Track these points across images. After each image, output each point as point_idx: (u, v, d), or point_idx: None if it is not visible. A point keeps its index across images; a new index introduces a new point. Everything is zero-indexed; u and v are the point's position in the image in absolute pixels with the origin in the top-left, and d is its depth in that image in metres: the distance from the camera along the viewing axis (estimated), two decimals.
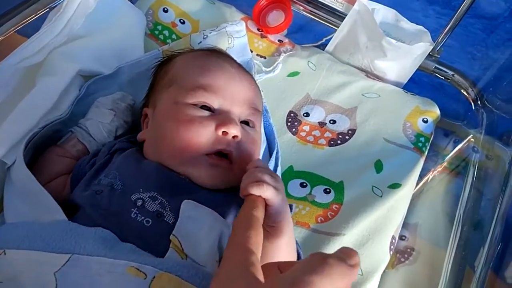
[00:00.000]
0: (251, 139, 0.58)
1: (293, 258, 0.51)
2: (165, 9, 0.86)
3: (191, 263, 0.45)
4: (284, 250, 0.48)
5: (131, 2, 0.91)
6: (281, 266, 0.38)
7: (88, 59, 0.68)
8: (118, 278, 0.41)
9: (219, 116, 0.56)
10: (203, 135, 0.54)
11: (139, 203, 0.50)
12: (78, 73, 0.66)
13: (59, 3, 0.78)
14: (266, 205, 0.46)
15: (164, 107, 0.59)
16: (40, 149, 0.60)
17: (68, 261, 0.42)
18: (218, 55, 0.65)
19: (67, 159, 0.61)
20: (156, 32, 0.85)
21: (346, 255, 0.35)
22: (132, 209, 0.50)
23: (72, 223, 0.48)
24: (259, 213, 0.42)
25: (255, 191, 0.45)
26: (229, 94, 0.58)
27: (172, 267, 0.43)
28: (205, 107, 0.56)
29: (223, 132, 0.54)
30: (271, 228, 0.47)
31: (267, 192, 0.45)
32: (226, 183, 0.56)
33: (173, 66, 0.63)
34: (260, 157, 0.66)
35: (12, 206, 0.54)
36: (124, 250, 0.45)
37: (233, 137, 0.55)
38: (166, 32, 0.84)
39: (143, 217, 0.49)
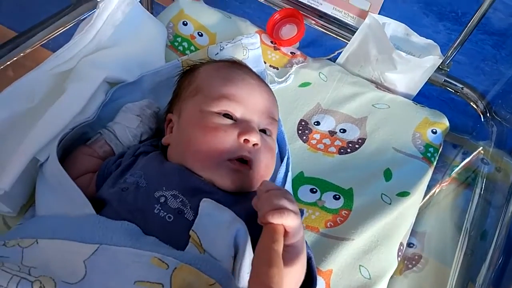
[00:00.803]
0: (268, 147, 0.62)
1: (303, 270, 0.51)
2: (185, 22, 0.90)
3: (209, 257, 0.48)
4: (297, 266, 0.49)
5: (154, 16, 0.96)
6: None
7: (114, 67, 0.73)
8: (142, 267, 0.44)
9: (241, 125, 0.60)
10: (227, 142, 0.58)
11: (162, 200, 0.53)
12: (105, 80, 0.70)
13: (87, 16, 0.84)
14: (285, 230, 0.46)
15: (190, 114, 0.63)
16: (68, 149, 0.65)
17: (97, 251, 0.45)
18: (239, 66, 0.69)
19: (94, 158, 0.65)
20: (176, 44, 0.89)
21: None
22: (156, 205, 0.53)
23: (100, 217, 0.51)
24: (279, 247, 0.43)
25: (276, 220, 0.46)
26: (251, 104, 0.62)
27: (192, 260, 0.46)
28: (228, 115, 0.60)
29: (245, 140, 0.58)
30: (287, 247, 0.47)
31: (287, 219, 0.46)
32: (245, 187, 0.59)
33: (198, 76, 0.67)
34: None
35: (44, 200, 0.58)
36: (148, 242, 0.48)
37: (254, 144, 0.59)
38: (185, 44, 0.89)
39: (165, 213, 0.52)
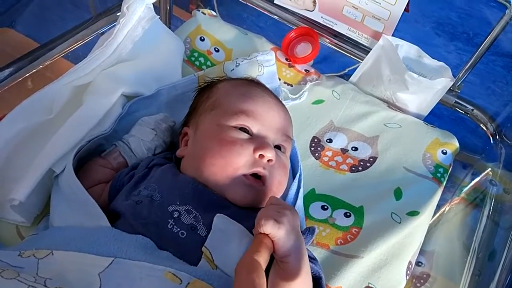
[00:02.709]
0: (282, 164, 0.63)
1: (308, 287, 0.51)
2: (202, 38, 0.92)
3: (221, 274, 0.49)
4: (298, 282, 0.48)
5: (172, 31, 0.98)
6: None
7: (131, 81, 0.74)
8: (156, 282, 0.45)
9: (257, 140, 0.61)
10: (242, 156, 0.59)
11: (176, 215, 0.54)
12: (122, 94, 0.72)
13: (106, 30, 0.86)
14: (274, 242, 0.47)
15: (207, 128, 0.64)
16: (83, 161, 0.66)
17: (112, 264, 0.46)
18: (257, 84, 0.70)
19: (108, 169, 0.66)
20: (193, 59, 0.91)
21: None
22: (169, 220, 0.54)
23: (115, 230, 0.52)
24: (260, 257, 0.44)
25: (260, 228, 0.47)
26: (267, 121, 0.63)
27: (205, 276, 0.47)
28: (244, 130, 0.61)
29: (260, 155, 0.59)
30: (283, 264, 0.48)
31: (269, 228, 0.47)
32: (256, 203, 0.60)
33: (216, 92, 0.68)
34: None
35: (59, 211, 0.59)
36: (162, 257, 0.49)
37: (268, 160, 0.60)
38: (201, 59, 0.91)
39: (178, 229, 0.53)
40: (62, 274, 0.45)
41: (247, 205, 0.59)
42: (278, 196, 0.65)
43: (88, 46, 0.84)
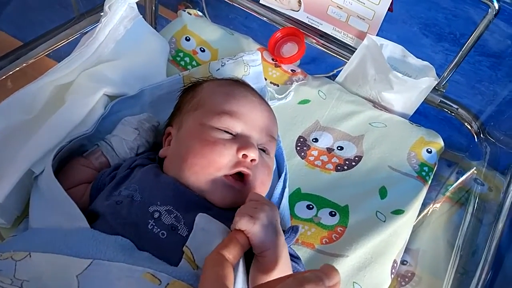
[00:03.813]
0: (266, 164, 0.63)
1: None
2: (187, 37, 0.92)
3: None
4: (275, 276, 0.48)
5: (157, 31, 0.98)
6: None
7: (114, 81, 0.74)
8: (135, 282, 0.44)
9: (240, 140, 0.60)
10: (225, 156, 0.58)
11: (156, 215, 0.54)
12: (104, 93, 0.71)
13: (90, 29, 0.86)
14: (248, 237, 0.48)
15: (190, 127, 0.63)
16: (65, 162, 0.65)
17: (90, 265, 0.45)
18: (241, 84, 0.70)
19: (90, 169, 0.65)
20: (178, 59, 0.90)
21: (325, 275, 0.36)
22: (150, 221, 0.53)
23: (94, 231, 0.51)
24: (227, 252, 0.44)
25: (234, 224, 0.48)
26: (250, 121, 0.63)
27: (185, 276, 0.46)
28: (228, 131, 0.61)
29: (243, 155, 0.59)
30: (261, 258, 0.48)
31: (242, 223, 0.47)
32: (236, 204, 0.58)
33: (201, 91, 0.68)
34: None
35: (38, 212, 0.58)
36: (141, 257, 0.49)
37: (252, 160, 0.59)
38: (187, 59, 0.90)
39: (159, 229, 0.52)
40: (40, 276, 0.44)
41: (227, 206, 0.59)
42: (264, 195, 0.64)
43: (71, 46, 0.83)
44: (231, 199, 0.59)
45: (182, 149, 0.62)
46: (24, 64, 0.82)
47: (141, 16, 0.82)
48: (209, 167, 0.58)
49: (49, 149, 0.61)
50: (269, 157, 0.65)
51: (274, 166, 0.73)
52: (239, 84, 0.70)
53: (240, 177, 0.59)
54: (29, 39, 0.86)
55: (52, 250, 0.47)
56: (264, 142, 0.64)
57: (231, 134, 0.61)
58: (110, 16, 0.74)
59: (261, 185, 0.62)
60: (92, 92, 0.69)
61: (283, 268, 0.49)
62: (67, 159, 0.65)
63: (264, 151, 0.64)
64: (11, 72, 0.80)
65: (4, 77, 0.79)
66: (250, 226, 0.47)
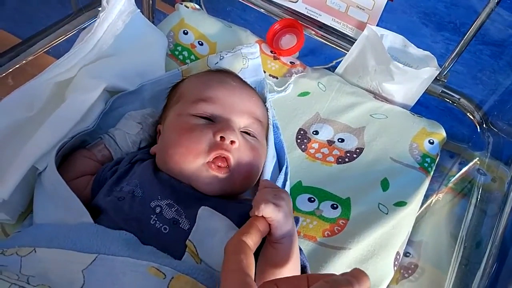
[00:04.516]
0: (250, 146, 0.61)
1: (297, 272, 0.52)
2: (185, 31, 0.91)
3: (206, 267, 0.49)
4: (289, 266, 0.49)
5: (154, 25, 0.97)
6: (279, 284, 0.40)
7: (114, 77, 0.73)
8: (140, 277, 0.45)
9: (218, 124, 0.59)
10: (202, 141, 0.57)
11: (158, 210, 0.54)
12: (105, 89, 0.71)
13: (88, 25, 0.85)
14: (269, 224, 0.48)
15: (170, 120, 0.64)
16: (67, 158, 0.65)
17: (95, 260, 0.45)
18: (222, 72, 0.70)
19: (92, 161, 0.66)
20: (176, 53, 0.90)
21: (356, 279, 0.35)
22: (152, 216, 0.53)
23: (98, 226, 0.51)
24: (249, 239, 0.43)
25: (255, 211, 0.47)
26: (229, 105, 0.62)
27: (189, 270, 0.46)
28: (206, 117, 0.60)
29: (221, 137, 0.57)
30: (277, 245, 0.49)
31: (265, 210, 0.47)
32: (226, 190, 0.59)
33: (182, 85, 0.69)
34: (270, 171, 0.69)
35: (42, 208, 0.58)
36: (145, 251, 0.49)
37: (231, 142, 0.58)
38: (185, 53, 0.90)
39: (161, 224, 0.53)
40: (45, 272, 0.45)
41: (216, 193, 0.58)
42: (254, 181, 0.64)
43: (70, 42, 0.83)
44: (219, 185, 0.58)
45: (164, 143, 0.63)
46: (23, 61, 0.82)
47: (139, 10, 0.81)
48: (188, 154, 0.58)
49: (52, 145, 0.62)
50: (256, 139, 0.63)
51: (275, 158, 0.72)
52: (219, 72, 0.70)
53: (222, 162, 0.58)
54: (27, 36, 0.86)
55: (57, 245, 0.47)
56: (247, 125, 0.62)
57: (209, 119, 0.60)
58: (108, 10, 0.74)
59: (249, 169, 0.60)
60: (92, 88, 0.69)
61: (295, 259, 0.50)
62: (70, 155, 0.65)
63: (248, 134, 0.63)
64: (10, 70, 0.80)
65: (3, 74, 0.79)
66: (275, 214, 0.47)
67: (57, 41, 0.86)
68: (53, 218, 0.56)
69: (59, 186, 0.57)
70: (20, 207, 0.62)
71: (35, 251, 0.46)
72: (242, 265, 0.39)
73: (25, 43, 0.83)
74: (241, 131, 0.61)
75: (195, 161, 0.57)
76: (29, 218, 0.62)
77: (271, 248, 0.49)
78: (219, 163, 0.57)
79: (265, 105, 0.72)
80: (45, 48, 0.85)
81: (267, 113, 0.72)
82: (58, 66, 0.70)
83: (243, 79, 0.72)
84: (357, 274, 0.36)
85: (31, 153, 0.60)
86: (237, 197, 0.64)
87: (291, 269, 0.50)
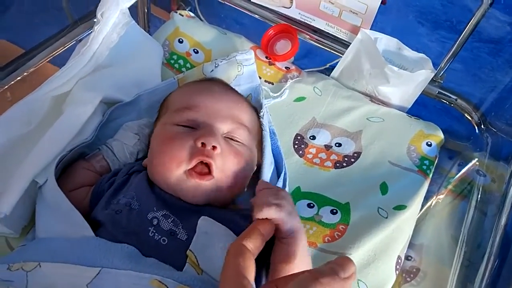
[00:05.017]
0: (234, 152, 0.60)
1: (309, 266, 0.53)
2: (180, 40, 0.91)
3: (207, 278, 0.49)
4: (300, 260, 0.50)
5: (150, 31, 0.98)
6: (279, 284, 0.40)
7: (110, 88, 0.74)
8: None
9: (200, 131, 0.60)
10: (183, 149, 0.57)
11: (155, 222, 0.54)
12: (101, 101, 0.71)
13: (85, 36, 0.86)
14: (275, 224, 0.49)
15: (156, 131, 0.65)
16: (66, 169, 0.66)
17: (99, 274, 0.46)
18: (208, 81, 0.71)
19: (91, 172, 0.66)
20: (172, 61, 0.90)
21: (340, 267, 0.36)
22: (149, 228, 0.54)
23: (100, 239, 0.52)
24: (250, 243, 0.44)
25: (257, 214, 0.48)
26: (211, 111, 0.62)
27: (191, 281, 0.47)
28: (187, 125, 0.61)
29: (202, 144, 0.57)
30: (285, 239, 0.50)
31: (269, 212, 0.48)
32: (214, 198, 0.59)
33: (169, 98, 0.70)
34: (268, 178, 0.69)
35: (44, 222, 0.59)
36: (148, 264, 0.49)
37: (213, 148, 0.57)
38: (181, 61, 0.90)
39: (159, 236, 0.53)
40: (51, 287, 0.45)
41: (203, 202, 0.58)
42: (242, 187, 0.64)
43: (69, 51, 0.84)
44: (204, 194, 0.58)
45: (150, 154, 0.63)
46: (25, 73, 0.83)
47: (134, 21, 0.81)
48: (171, 163, 0.57)
49: (51, 159, 0.62)
50: (242, 145, 0.63)
51: (273, 165, 0.72)
52: (205, 80, 0.72)
53: (205, 169, 0.57)
54: (26, 43, 0.87)
55: (61, 259, 0.48)
56: (231, 130, 0.62)
57: (192, 127, 0.61)
58: (103, 23, 0.74)
59: (233, 175, 0.60)
60: (89, 101, 0.69)
61: (305, 251, 0.52)
62: (69, 166, 0.66)
63: (233, 139, 0.62)
64: (12, 82, 0.81)
65: (3, 88, 0.80)
66: (279, 214, 0.48)
67: (55, 54, 0.87)
68: (55, 232, 0.56)
69: (60, 200, 0.58)
70: (22, 220, 0.62)
71: (40, 266, 0.47)
72: (240, 268, 0.40)
73: (24, 56, 0.84)
74: (225, 137, 0.61)
75: (177, 170, 0.57)
76: (32, 231, 0.62)
77: (281, 244, 0.50)
78: (200, 170, 0.57)
79: (256, 112, 0.73)
80: (44, 61, 0.86)
81: (259, 119, 0.72)
82: (55, 80, 0.71)
83: (231, 86, 0.73)
84: (341, 261, 0.37)
85: (30, 168, 0.60)
86: (230, 205, 0.64)
87: (302, 263, 0.50)
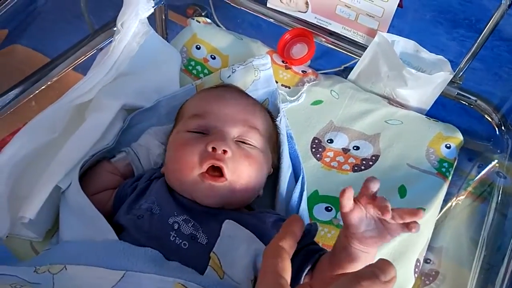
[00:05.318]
0: (245, 155, 0.61)
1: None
2: (198, 46, 0.93)
3: (229, 282, 0.50)
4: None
5: (168, 37, 0.99)
6: (314, 285, 0.42)
7: (131, 95, 0.76)
8: None
9: (211, 136, 0.61)
10: (195, 154, 0.59)
11: (176, 226, 0.56)
12: (122, 108, 0.74)
13: (105, 45, 0.88)
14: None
15: (170, 140, 0.67)
16: (88, 171, 0.67)
17: (123, 277, 0.47)
18: (221, 87, 0.73)
19: (116, 176, 0.68)
20: (190, 68, 0.91)
21: (381, 270, 0.36)
22: (171, 232, 0.55)
23: (124, 243, 0.53)
24: (285, 244, 0.45)
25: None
26: (223, 116, 0.63)
27: (214, 285, 0.48)
28: (199, 131, 0.63)
29: (212, 148, 0.59)
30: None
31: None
32: (227, 201, 0.60)
33: (184, 105, 0.72)
34: (286, 182, 0.70)
35: (68, 225, 0.61)
36: (171, 267, 0.51)
37: (224, 152, 0.59)
38: (199, 68, 0.91)
39: (180, 240, 0.54)
40: None
41: (218, 204, 0.60)
42: (256, 189, 0.64)
43: (91, 59, 0.86)
44: (218, 196, 0.59)
45: (166, 161, 0.66)
46: (48, 83, 0.86)
47: (153, 30, 0.83)
48: (185, 168, 0.59)
49: (74, 164, 0.64)
50: (253, 147, 0.63)
51: (290, 168, 0.73)
52: (218, 87, 0.73)
53: (218, 173, 0.59)
54: (50, 52, 0.90)
55: (85, 262, 0.49)
56: (242, 133, 0.63)
57: (203, 133, 0.62)
58: (123, 33, 0.76)
59: (246, 177, 0.61)
60: (110, 107, 0.71)
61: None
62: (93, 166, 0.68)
63: (245, 142, 0.63)
64: (36, 92, 0.84)
65: (27, 98, 0.83)
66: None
67: (76, 63, 0.90)
68: (79, 235, 0.58)
69: (84, 205, 0.59)
70: (46, 225, 0.64)
71: (66, 269, 0.48)
72: (278, 268, 0.41)
73: (46, 67, 0.87)
74: (236, 141, 0.62)
75: (191, 174, 0.59)
76: (56, 235, 0.64)
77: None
78: (213, 173, 0.59)
79: (270, 115, 0.73)
80: (66, 70, 0.89)
81: (273, 123, 0.73)
82: (78, 89, 0.73)
83: (243, 91, 0.74)
84: (381, 265, 0.37)
85: (54, 173, 0.63)
86: (242, 209, 0.65)
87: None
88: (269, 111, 0.75)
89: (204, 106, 0.65)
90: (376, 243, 0.50)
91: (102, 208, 0.59)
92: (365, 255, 0.50)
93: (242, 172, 0.60)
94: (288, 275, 0.41)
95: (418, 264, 0.68)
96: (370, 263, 0.45)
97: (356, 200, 0.48)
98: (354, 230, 0.49)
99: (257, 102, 0.73)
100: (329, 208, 0.73)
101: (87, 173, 0.66)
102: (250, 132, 0.64)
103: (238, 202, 0.63)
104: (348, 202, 0.47)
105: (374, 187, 0.48)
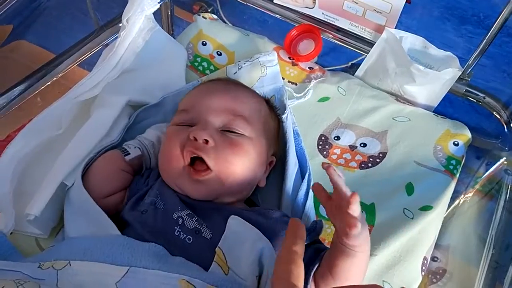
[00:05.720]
0: (229, 143, 0.60)
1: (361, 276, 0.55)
2: (204, 42, 0.92)
3: (234, 279, 0.49)
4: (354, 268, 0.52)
5: (174, 32, 0.99)
6: None
7: (136, 91, 0.76)
8: None
9: (193, 127, 0.61)
10: (177, 145, 0.60)
11: (180, 221, 0.56)
12: (127, 104, 0.73)
13: (111, 41, 0.88)
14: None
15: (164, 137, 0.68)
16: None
17: (127, 273, 0.47)
18: (213, 81, 0.72)
19: (129, 175, 0.67)
20: (196, 64, 0.91)
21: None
22: (175, 227, 0.55)
23: (128, 238, 0.53)
24: (299, 248, 0.45)
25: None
26: (205, 106, 0.63)
27: (219, 281, 0.48)
28: (185, 124, 0.63)
29: (193, 137, 0.59)
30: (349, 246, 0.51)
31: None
32: (217, 192, 0.60)
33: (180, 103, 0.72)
34: (292, 179, 0.70)
35: (72, 222, 0.61)
36: (175, 263, 0.50)
37: (206, 142, 0.59)
38: (205, 64, 0.91)
39: (185, 235, 0.54)
40: (81, 284, 0.47)
41: (209, 197, 0.60)
42: (251, 179, 0.63)
43: (96, 55, 0.86)
44: (204, 189, 0.59)
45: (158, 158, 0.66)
46: (54, 79, 0.85)
47: (159, 26, 0.83)
48: (171, 161, 0.60)
49: (79, 161, 0.64)
50: (241, 135, 0.62)
51: (297, 166, 0.72)
52: (211, 81, 0.73)
53: (203, 167, 0.59)
54: (55, 48, 0.91)
55: (90, 258, 0.49)
56: (227, 122, 0.62)
57: (189, 126, 0.62)
58: (129, 29, 0.76)
59: (229, 166, 0.60)
60: (116, 104, 0.71)
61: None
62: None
63: (231, 131, 0.62)
64: (42, 87, 0.84)
65: (33, 94, 0.83)
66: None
67: (82, 59, 0.89)
68: (84, 232, 0.58)
69: (86, 201, 0.59)
70: (51, 222, 0.64)
71: (70, 264, 0.48)
72: (292, 277, 0.42)
73: (52, 63, 0.87)
74: (222, 130, 0.62)
75: (176, 167, 0.60)
76: (61, 232, 0.65)
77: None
78: (198, 167, 0.59)
79: (267, 103, 0.73)
80: (71, 66, 0.89)
81: (271, 111, 0.72)
82: (83, 85, 0.73)
83: (235, 81, 0.74)
84: None
85: (60, 170, 0.62)
86: (237, 203, 0.65)
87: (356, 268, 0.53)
88: (268, 100, 0.74)
89: (191, 100, 0.66)
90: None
91: (118, 208, 0.60)
92: (353, 253, 0.52)
93: (228, 162, 0.59)
94: (301, 283, 0.41)
95: (425, 262, 0.68)
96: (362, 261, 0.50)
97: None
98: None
99: (247, 89, 0.72)
100: None
101: (99, 169, 0.64)
102: (236, 120, 0.63)
103: (232, 193, 0.62)
104: None
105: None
